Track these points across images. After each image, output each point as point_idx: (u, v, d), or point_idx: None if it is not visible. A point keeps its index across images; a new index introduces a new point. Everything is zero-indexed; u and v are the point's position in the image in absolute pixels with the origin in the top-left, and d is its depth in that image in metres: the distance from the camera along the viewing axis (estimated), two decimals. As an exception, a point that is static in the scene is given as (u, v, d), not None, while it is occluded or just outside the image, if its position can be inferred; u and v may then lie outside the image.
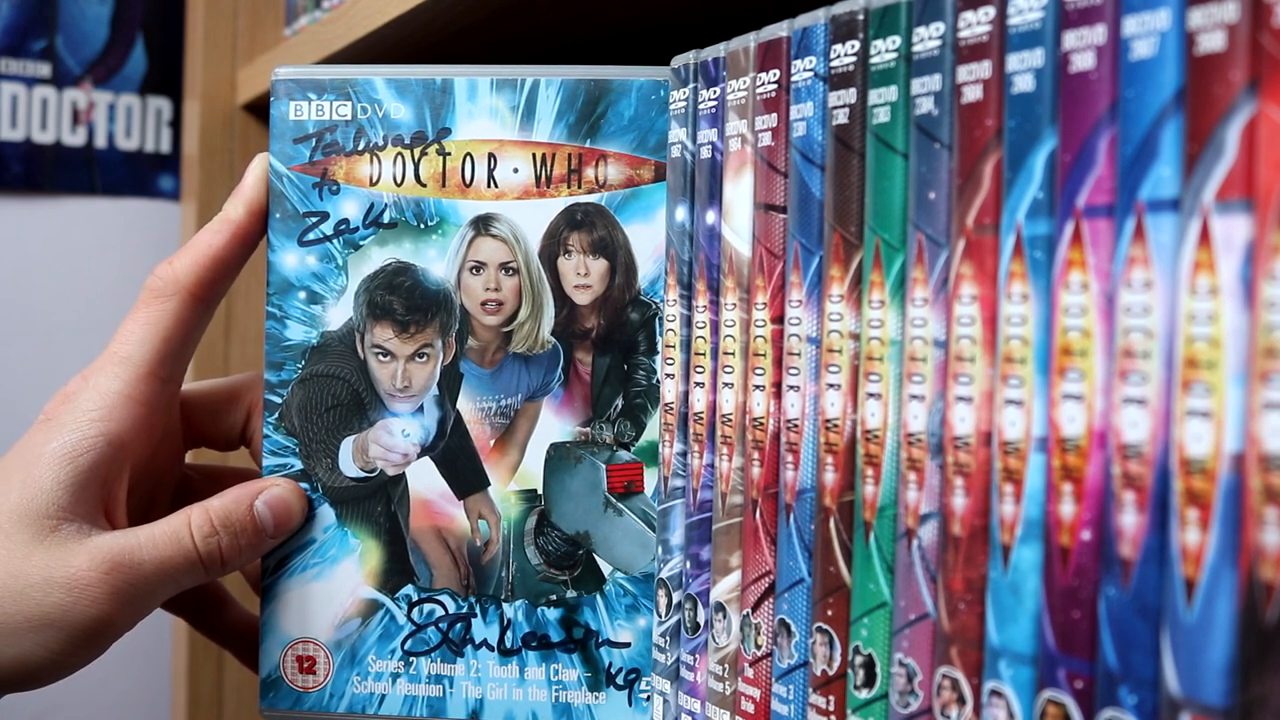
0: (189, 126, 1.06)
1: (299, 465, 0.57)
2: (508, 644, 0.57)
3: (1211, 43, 0.32)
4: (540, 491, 0.57)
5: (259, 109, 1.03)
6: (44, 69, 1.08)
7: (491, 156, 0.56)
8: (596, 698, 0.56)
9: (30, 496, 0.51)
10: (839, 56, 0.44)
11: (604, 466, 0.56)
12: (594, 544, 0.56)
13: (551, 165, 0.56)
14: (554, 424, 0.56)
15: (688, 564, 0.51)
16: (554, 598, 0.57)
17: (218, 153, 1.04)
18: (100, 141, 1.10)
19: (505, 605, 0.57)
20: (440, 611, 0.57)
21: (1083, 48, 0.35)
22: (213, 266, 0.55)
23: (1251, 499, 0.31)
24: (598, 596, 0.56)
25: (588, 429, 0.56)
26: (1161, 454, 0.33)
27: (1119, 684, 0.34)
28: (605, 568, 0.56)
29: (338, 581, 0.57)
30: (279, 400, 0.57)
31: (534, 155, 0.56)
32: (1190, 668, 0.32)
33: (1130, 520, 0.34)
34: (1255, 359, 0.31)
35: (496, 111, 0.55)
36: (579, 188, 0.56)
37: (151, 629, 1.09)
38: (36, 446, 0.52)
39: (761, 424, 0.47)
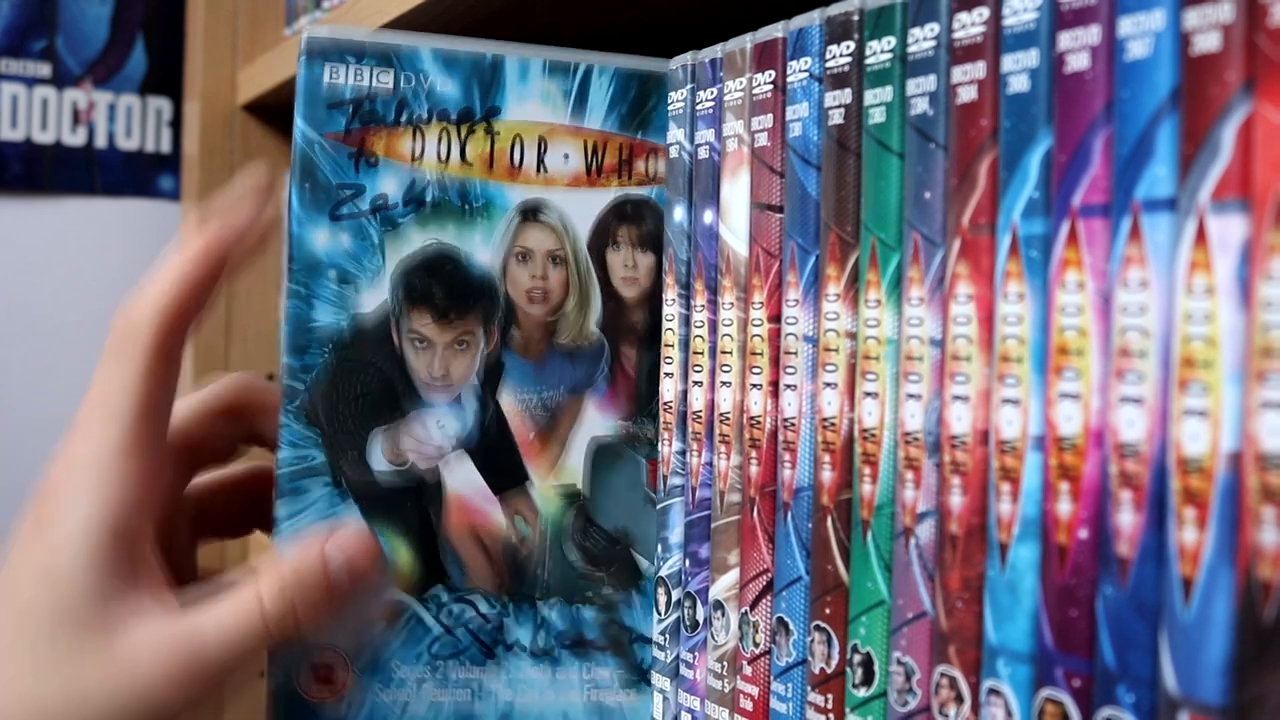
0: (189, 126, 1.06)
1: (321, 458, 0.52)
2: (541, 645, 0.54)
3: (1207, 43, 0.32)
4: (581, 488, 0.55)
5: (259, 109, 1.03)
6: (44, 69, 1.08)
7: (542, 141, 0.53)
8: (630, 696, 0.55)
9: (60, 594, 0.45)
10: (834, 57, 0.44)
11: (645, 462, 0.54)
12: (634, 541, 0.55)
13: (602, 155, 0.54)
14: (597, 419, 0.55)
15: (686, 562, 0.52)
16: (590, 596, 0.55)
17: (218, 153, 1.04)
18: (100, 141, 1.10)
19: (541, 605, 0.54)
20: (472, 613, 0.54)
21: (1077, 48, 0.35)
22: (187, 297, 0.49)
23: (1249, 498, 0.31)
24: (634, 594, 0.55)
25: (630, 424, 0.55)
26: (1158, 453, 0.33)
27: (1117, 682, 0.34)
28: (643, 564, 0.55)
29: None
30: (301, 387, 0.52)
31: (585, 143, 0.54)
32: (1188, 666, 0.32)
33: (1127, 519, 0.34)
34: (1252, 358, 0.31)
35: (549, 95, 0.53)
36: (629, 179, 0.54)
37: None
38: (44, 538, 0.46)
39: (759, 422, 0.47)
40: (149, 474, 0.48)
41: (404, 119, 0.52)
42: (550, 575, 0.55)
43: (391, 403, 0.53)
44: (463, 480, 0.54)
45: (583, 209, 0.54)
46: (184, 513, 0.55)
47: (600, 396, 0.55)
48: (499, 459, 0.54)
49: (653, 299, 0.55)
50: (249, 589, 0.47)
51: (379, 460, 0.53)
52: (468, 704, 0.54)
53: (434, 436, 0.53)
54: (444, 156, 0.53)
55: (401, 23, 0.70)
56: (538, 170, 0.54)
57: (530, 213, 0.54)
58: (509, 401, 0.54)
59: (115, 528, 0.46)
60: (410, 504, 0.53)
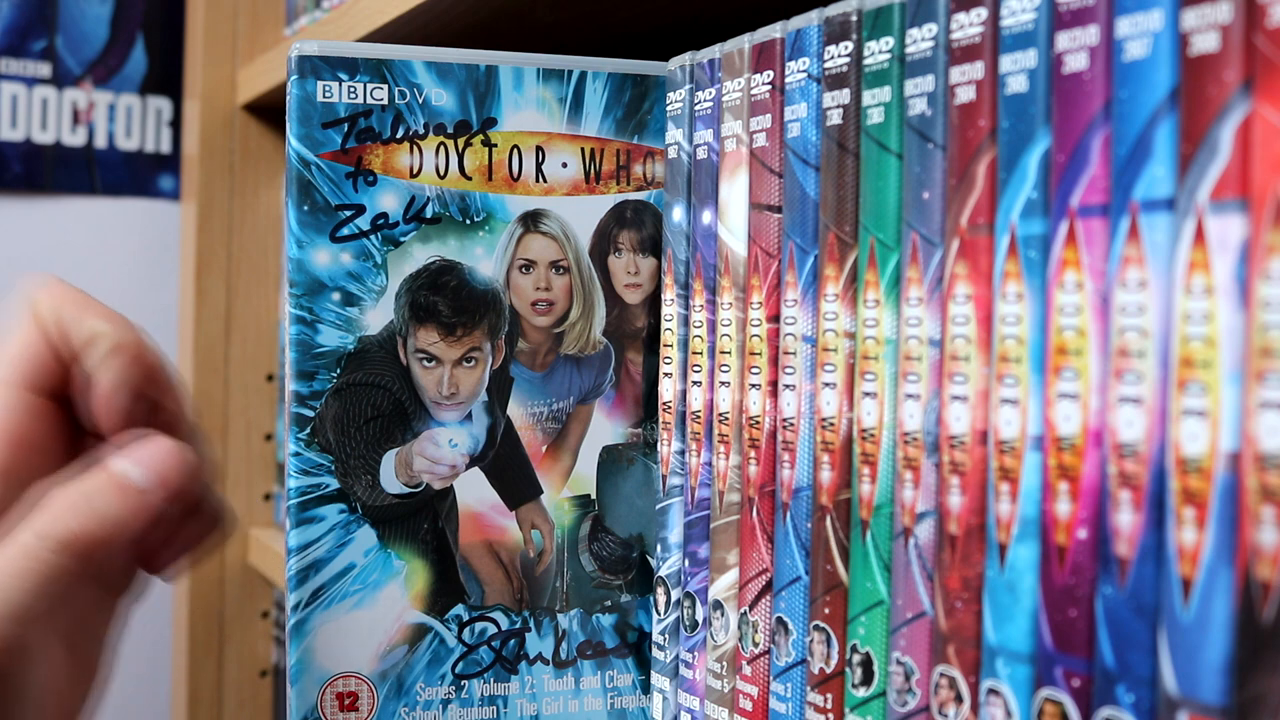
0: (189, 126, 1.06)
1: (335, 484, 0.52)
2: (563, 655, 0.54)
3: (1205, 43, 0.32)
4: (593, 496, 0.55)
5: (259, 109, 1.03)
6: (44, 69, 1.08)
7: (540, 150, 0.53)
8: (650, 699, 0.55)
9: None
10: (832, 58, 0.44)
11: (656, 467, 0.54)
12: (649, 546, 0.55)
13: (600, 160, 0.54)
14: (606, 426, 0.55)
15: (686, 561, 0.52)
16: (608, 603, 0.55)
17: (218, 153, 1.04)
18: (100, 141, 1.10)
19: (560, 616, 0.54)
20: (493, 629, 0.54)
21: (1076, 49, 0.35)
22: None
23: (1248, 498, 0.31)
24: (650, 598, 0.55)
25: (639, 430, 0.55)
26: (1157, 453, 0.33)
27: (1116, 682, 0.34)
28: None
29: (381, 608, 0.53)
30: (311, 414, 0.52)
31: (583, 150, 0.54)
32: (1187, 666, 0.32)
33: (1126, 519, 0.34)
34: (1250, 358, 0.31)
35: (544, 103, 0.53)
36: (628, 184, 0.54)
37: (151, 629, 1.09)
38: None
39: (758, 422, 0.47)
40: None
41: (400, 133, 0.52)
42: (567, 586, 0.55)
43: (402, 423, 0.53)
44: (476, 497, 0.54)
45: (583, 216, 0.54)
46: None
47: (609, 404, 0.55)
48: (512, 473, 0.54)
49: (656, 303, 0.54)
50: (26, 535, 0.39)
51: (392, 482, 0.53)
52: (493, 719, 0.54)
53: (446, 455, 0.53)
54: (443, 170, 0.52)
55: (402, 23, 0.70)
56: (537, 179, 0.53)
57: (531, 222, 0.54)
58: (519, 415, 0.54)
59: None
60: (425, 524, 0.53)
